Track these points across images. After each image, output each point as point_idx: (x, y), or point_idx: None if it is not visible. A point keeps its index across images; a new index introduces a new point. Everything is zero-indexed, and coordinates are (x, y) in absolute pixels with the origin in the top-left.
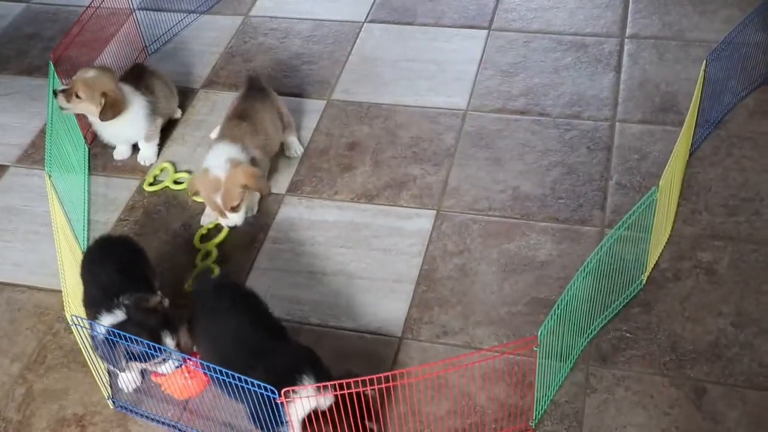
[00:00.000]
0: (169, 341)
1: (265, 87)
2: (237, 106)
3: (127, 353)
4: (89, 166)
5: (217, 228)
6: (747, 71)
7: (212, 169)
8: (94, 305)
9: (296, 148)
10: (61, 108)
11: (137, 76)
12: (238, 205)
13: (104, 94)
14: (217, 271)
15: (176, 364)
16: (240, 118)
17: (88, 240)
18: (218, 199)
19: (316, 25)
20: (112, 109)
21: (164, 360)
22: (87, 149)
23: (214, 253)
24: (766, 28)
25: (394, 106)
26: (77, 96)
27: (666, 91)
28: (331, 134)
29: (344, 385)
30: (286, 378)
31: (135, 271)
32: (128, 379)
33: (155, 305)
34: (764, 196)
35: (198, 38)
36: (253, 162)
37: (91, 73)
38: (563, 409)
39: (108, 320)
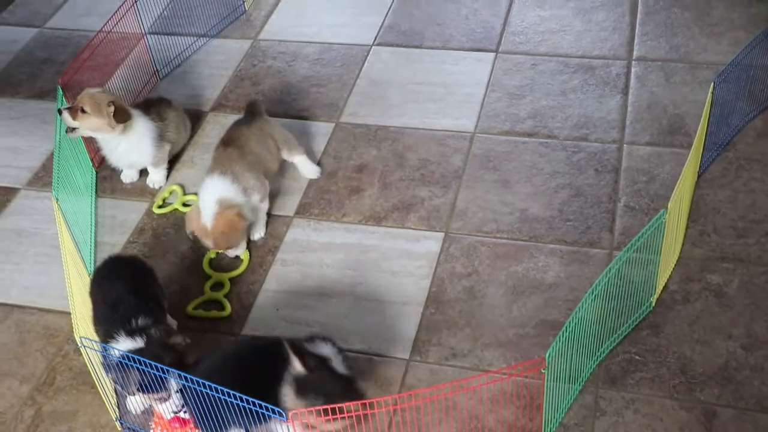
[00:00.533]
0: (174, 384)
1: (257, 111)
2: (225, 134)
3: (140, 381)
4: (96, 189)
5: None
6: (755, 93)
7: (203, 211)
8: (105, 324)
9: (310, 169)
10: (69, 129)
11: (149, 104)
12: (229, 247)
13: (111, 103)
14: (228, 307)
15: (173, 409)
16: (225, 144)
17: (95, 262)
18: (210, 244)
19: (324, 48)
20: (121, 114)
21: (166, 398)
22: (95, 173)
23: (227, 286)
24: None
25: (402, 129)
26: (83, 111)
27: (674, 113)
28: (339, 157)
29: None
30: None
31: (146, 290)
32: (137, 401)
33: (175, 343)
34: None
35: (207, 61)
36: (246, 191)
37: (94, 90)
38: None
39: (126, 345)
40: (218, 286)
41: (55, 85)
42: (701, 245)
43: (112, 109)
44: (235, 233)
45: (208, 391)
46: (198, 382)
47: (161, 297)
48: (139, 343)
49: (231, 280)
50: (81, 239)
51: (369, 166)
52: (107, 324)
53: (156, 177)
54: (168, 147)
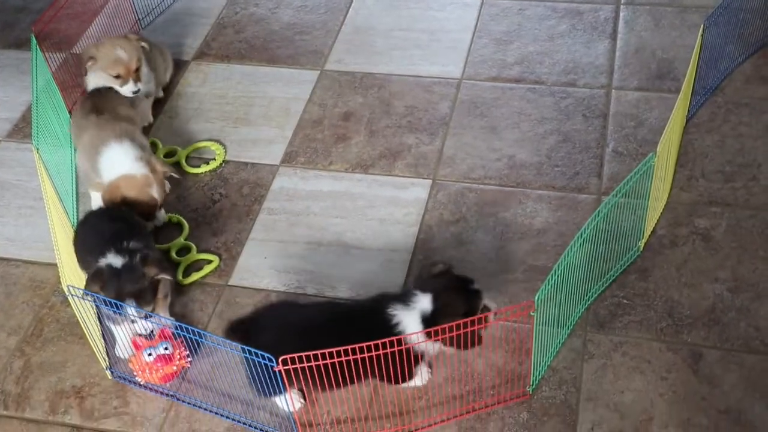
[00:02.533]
0: (134, 307)
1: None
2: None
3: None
4: None
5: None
6: (744, 37)
7: (135, 173)
8: (96, 247)
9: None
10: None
11: None
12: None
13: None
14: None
15: (150, 352)
16: (97, 113)
17: (77, 213)
18: (155, 194)
19: None
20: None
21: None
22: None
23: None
24: None
25: (388, 76)
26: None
27: (662, 58)
28: (324, 105)
29: (343, 352)
30: None
31: (134, 227)
32: (125, 345)
33: (154, 275)
34: (761, 161)
35: (188, 9)
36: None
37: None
38: (561, 374)
39: (112, 260)
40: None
41: (30, 33)
42: (689, 190)
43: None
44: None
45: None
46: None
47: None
48: (119, 261)
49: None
50: (63, 190)
51: (355, 113)
52: (99, 246)
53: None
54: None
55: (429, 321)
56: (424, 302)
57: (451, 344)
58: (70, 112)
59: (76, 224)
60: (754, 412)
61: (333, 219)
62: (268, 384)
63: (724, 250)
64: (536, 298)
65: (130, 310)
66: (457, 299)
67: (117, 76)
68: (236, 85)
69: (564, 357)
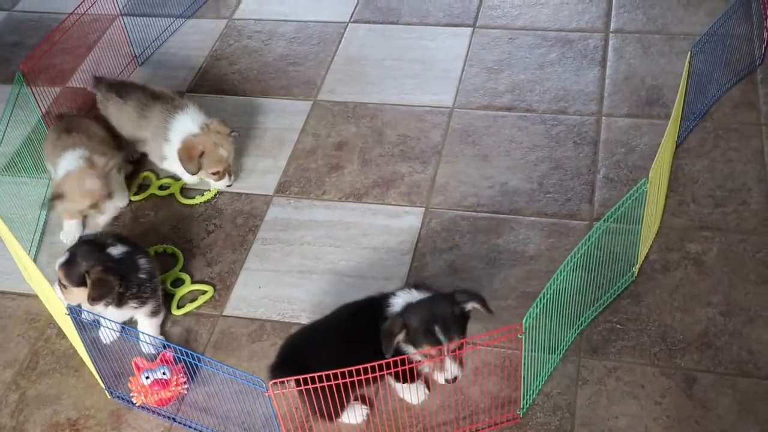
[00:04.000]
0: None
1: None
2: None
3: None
4: None
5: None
6: (731, 63)
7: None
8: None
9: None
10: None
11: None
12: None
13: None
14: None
15: (149, 375)
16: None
17: (41, 242)
18: (93, 185)
19: (300, 26)
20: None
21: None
22: None
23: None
24: (748, 20)
25: (380, 105)
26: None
27: (651, 85)
28: (317, 134)
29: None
30: None
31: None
32: (108, 333)
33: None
34: (751, 186)
35: (182, 42)
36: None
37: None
38: (555, 400)
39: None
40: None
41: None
42: (680, 215)
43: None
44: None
45: None
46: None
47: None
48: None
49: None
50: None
51: (348, 143)
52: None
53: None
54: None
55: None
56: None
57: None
58: None
59: (35, 257)
60: None
61: (327, 248)
62: (330, 406)
63: (715, 274)
64: (524, 320)
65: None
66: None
67: (215, 173)
68: (230, 117)
69: (558, 383)
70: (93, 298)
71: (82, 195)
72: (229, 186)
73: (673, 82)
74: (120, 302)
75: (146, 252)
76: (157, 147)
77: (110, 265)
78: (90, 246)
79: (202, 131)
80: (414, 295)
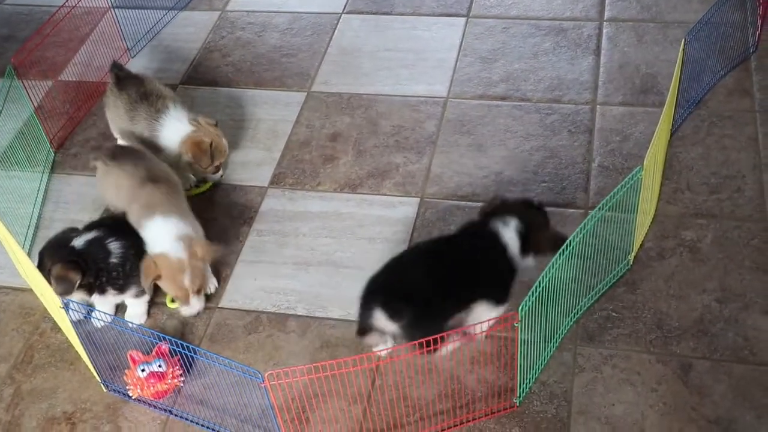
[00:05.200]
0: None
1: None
2: (141, 169)
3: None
4: (54, 167)
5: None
6: (725, 50)
7: (170, 252)
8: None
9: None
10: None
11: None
12: (202, 285)
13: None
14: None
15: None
16: (154, 181)
17: (35, 236)
18: (186, 282)
19: (293, 17)
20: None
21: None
22: (53, 153)
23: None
24: (742, 7)
25: (374, 96)
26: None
27: (646, 73)
28: (312, 126)
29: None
30: None
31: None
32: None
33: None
34: (745, 173)
35: (175, 35)
36: (195, 228)
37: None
38: (552, 389)
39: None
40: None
41: (17, 63)
42: (675, 202)
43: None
44: (213, 250)
45: None
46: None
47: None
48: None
49: None
50: (24, 215)
51: (342, 134)
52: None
53: None
54: None
55: (524, 235)
56: (514, 222)
57: (543, 251)
58: (50, 141)
59: (29, 252)
60: (745, 421)
61: (322, 239)
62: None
63: (711, 261)
64: (520, 309)
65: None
66: (537, 213)
67: (219, 166)
68: (224, 109)
69: (554, 371)
70: (59, 294)
71: (177, 287)
72: (221, 177)
73: (667, 70)
74: (99, 290)
75: (123, 233)
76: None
77: (70, 260)
78: (53, 243)
79: (195, 127)
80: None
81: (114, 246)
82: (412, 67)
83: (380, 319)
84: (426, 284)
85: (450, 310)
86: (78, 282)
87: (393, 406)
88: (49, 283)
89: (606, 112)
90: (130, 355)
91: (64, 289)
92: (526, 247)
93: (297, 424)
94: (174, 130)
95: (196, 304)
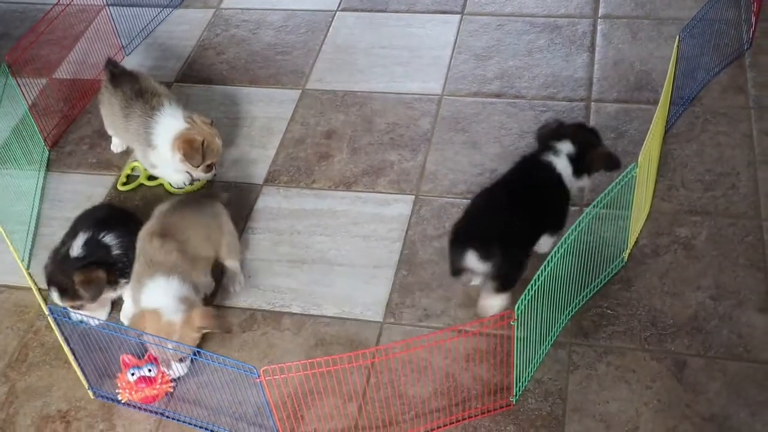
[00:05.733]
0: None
1: (213, 197)
2: (161, 219)
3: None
4: (49, 166)
5: None
6: (720, 47)
7: (163, 312)
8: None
9: (238, 280)
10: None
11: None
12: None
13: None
14: None
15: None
16: (163, 236)
17: (34, 238)
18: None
19: (288, 15)
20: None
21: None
22: (47, 151)
23: None
24: (737, 4)
25: (369, 93)
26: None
27: (640, 70)
28: (306, 123)
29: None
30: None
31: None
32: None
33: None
34: (740, 170)
35: (170, 32)
36: (195, 289)
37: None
38: (547, 386)
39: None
40: None
41: (11, 61)
42: (670, 199)
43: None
44: (214, 320)
45: None
46: None
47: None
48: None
49: None
50: (23, 215)
51: (337, 131)
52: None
53: None
54: None
55: (576, 160)
56: (566, 147)
57: (596, 170)
58: (45, 139)
59: (30, 250)
60: (739, 418)
61: (317, 237)
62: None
63: (705, 258)
64: (516, 307)
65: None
66: (589, 133)
67: (210, 165)
68: (218, 107)
69: (549, 368)
70: (92, 298)
71: (158, 349)
72: (214, 176)
73: (661, 67)
74: (114, 284)
75: (108, 225)
76: (143, 154)
77: (85, 264)
78: (56, 259)
79: (189, 125)
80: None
81: (109, 239)
82: (406, 64)
83: (473, 260)
84: (507, 223)
85: (530, 245)
86: (105, 279)
87: (388, 404)
88: (68, 296)
89: (600, 109)
90: (122, 359)
91: (96, 290)
92: (579, 169)
93: (292, 421)
94: (168, 127)
95: (177, 370)
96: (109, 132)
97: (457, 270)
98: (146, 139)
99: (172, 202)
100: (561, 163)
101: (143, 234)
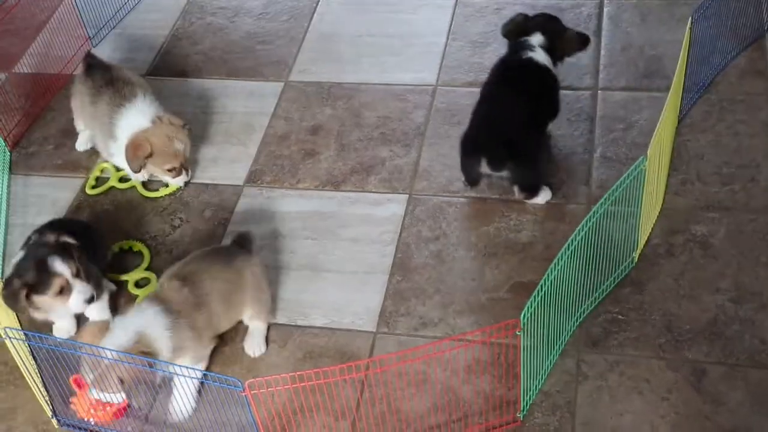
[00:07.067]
0: (60, 266)
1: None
2: (187, 262)
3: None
4: (11, 168)
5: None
6: (737, 28)
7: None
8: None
9: (257, 344)
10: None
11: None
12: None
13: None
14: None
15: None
16: (183, 280)
17: (5, 243)
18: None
19: (268, 1)
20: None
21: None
22: (8, 153)
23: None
24: None
25: (357, 85)
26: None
27: (650, 55)
28: (290, 118)
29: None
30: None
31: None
32: (63, 326)
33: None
34: (760, 161)
35: (140, 21)
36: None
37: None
38: (554, 399)
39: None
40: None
41: None
42: (684, 194)
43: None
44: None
45: None
46: None
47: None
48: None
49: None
50: None
51: (324, 126)
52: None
53: None
54: None
55: (549, 49)
56: (538, 39)
57: (571, 54)
58: (5, 139)
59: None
60: (763, 430)
61: (303, 241)
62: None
63: (724, 257)
64: (522, 315)
65: (60, 267)
66: (554, 22)
67: (171, 170)
68: (194, 101)
69: (556, 380)
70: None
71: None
72: (186, 182)
73: (673, 52)
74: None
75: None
76: (103, 144)
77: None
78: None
79: (154, 124)
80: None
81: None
82: (397, 53)
83: (487, 167)
84: (515, 124)
85: (540, 140)
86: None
87: (383, 420)
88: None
89: (608, 98)
90: (75, 379)
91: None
92: (556, 57)
93: None
94: (132, 122)
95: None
96: (77, 124)
97: (473, 179)
98: (109, 129)
99: (205, 250)
100: (540, 56)
101: (165, 275)
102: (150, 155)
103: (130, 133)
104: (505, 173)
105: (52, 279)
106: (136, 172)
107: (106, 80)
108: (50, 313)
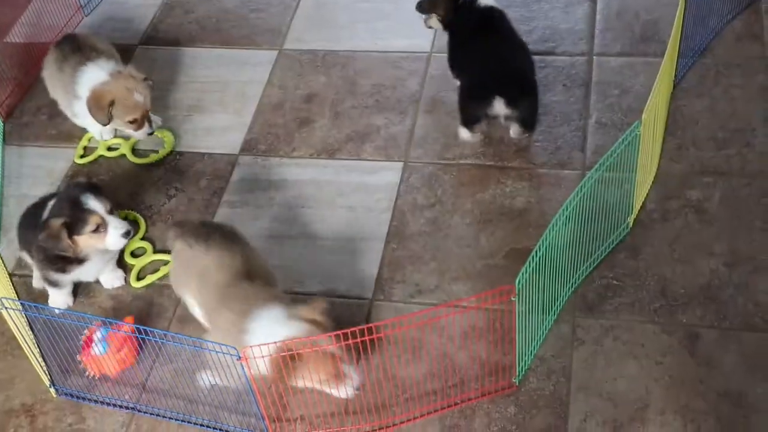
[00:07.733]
0: (94, 203)
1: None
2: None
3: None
4: (4, 139)
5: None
6: None
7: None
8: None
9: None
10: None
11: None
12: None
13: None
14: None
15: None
16: (250, 276)
17: (0, 215)
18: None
19: None
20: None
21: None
22: (2, 123)
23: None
24: None
25: (352, 53)
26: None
27: (646, 19)
28: (284, 87)
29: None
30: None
31: None
32: (60, 298)
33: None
34: (756, 125)
35: None
36: None
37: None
38: (549, 364)
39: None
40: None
41: None
42: (679, 160)
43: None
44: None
45: None
46: None
47: None
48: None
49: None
50: None
51: (318, 95)
52: None
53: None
54: None
55: None
56: None
57: None
58: None
59: None
60: (756, 393)
61: (299, 209)
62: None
63: (718, 222)
64: (517, 281)
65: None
66: None
67: (133, 121)
68: (187, 70)
69: (552, 345)
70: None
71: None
72: (150, 134)
73: (669, 16)
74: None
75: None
76: (67, 103)
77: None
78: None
79: (112, 78)
80: None
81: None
82: (392, 19)
83: (499, 106)
84: (526, 64)
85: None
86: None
87: (379, 387)
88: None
89: (603, 63)
90: (84, 339)
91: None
92: None
93: (278, 408)
94: (92, 77)
95: None
96: (52, 95)
97: (477, 120)
98: (72, 89)
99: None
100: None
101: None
102: (112, 103)
103: (90, 87)
104: (511, 112)
105: (88, 216)
106: (104, 124)
107: (73, 47)
108: (89, 253)
